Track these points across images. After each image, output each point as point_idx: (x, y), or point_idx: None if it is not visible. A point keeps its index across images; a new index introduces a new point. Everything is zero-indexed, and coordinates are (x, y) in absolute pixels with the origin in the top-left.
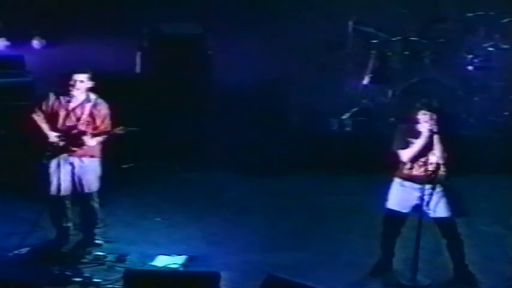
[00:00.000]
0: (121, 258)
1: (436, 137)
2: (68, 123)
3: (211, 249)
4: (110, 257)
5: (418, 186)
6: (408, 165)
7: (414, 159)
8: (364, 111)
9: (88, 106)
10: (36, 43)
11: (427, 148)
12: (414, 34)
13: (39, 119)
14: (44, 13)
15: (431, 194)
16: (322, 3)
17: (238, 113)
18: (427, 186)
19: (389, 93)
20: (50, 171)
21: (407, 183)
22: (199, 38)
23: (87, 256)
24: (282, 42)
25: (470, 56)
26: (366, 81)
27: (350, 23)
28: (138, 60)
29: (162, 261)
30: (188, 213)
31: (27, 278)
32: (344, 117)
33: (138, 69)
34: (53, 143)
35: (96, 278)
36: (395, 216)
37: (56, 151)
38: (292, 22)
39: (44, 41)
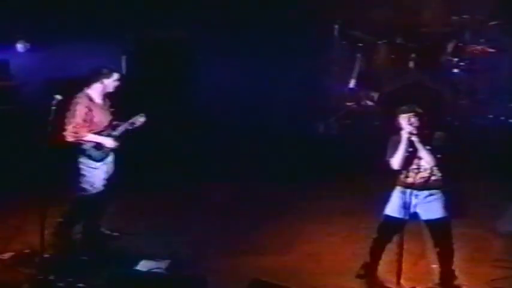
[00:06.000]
0: (105, 262)
1: (418, 141)
2: (106, 120)
3: (196, 253)
4: (94, 261)
5: (415, 192)
6: (404, 173)
7: (406, 166)
8: (350, 114)
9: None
10: (20, 47)
11: (416, 153)
12: (400, 37)
13: (82, 131)
14: (29, 16)
15: (428, 201)
16: (309, 7)
17: (225, 118)
18: (425, 192)
19: (375, 96)
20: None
21: (406, 190)
22: (185, 44)
23: (70, 260)
24: (268, 46)
25: (456, 59)
26: (351, 84)
27: (336, 27)
28: (123, 64)
29: (146, 265)
30: (173, 218)
31: (9, 283)
32: (330, 120)
33: (123, 73)
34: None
35: (80, 283)
36: (393, 223)
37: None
38: (278, 26)
39: (28, 45)
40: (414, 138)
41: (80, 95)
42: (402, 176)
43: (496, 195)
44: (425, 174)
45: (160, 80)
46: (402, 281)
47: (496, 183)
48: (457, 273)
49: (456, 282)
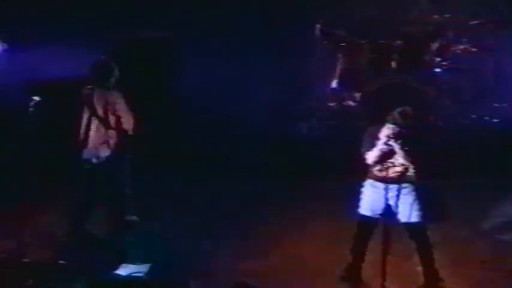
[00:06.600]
0: (85, 267)
1: (397, 143)
2: None
3: (179, 256)
4: (74, 265)
5: (389, 186)
6: (378, 167)
7: (382, 161)
8: (333, 115)
9: None
10: None
11: (392, 150)
12: (382, 37)
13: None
14: (6, 16)
15: (402, 195)
16: (290, 6)
17: (208, 118)
18: (397, 186)
19: (358, 96)
20: None
21: (379, 184)
22: (167, 43)
23: (50, 264)
24: (250, 46)
25: (439, 59)
26: (334, 84)
27: (317, 26)
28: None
29: (127, 269)
30: (155, 220)
31: None
32: (312, 121)
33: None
34: None
35: (60, 287)
36: (369, 221)
37: None
38: (260, 25)
39: (5, 45)
40: (392, 142)
41: (116, 92)
42: (376, 170)
43: (481, 196)
44: (400, 168)
45: (142, 81)
46: (387, 284)
47: (481, 184)
48: (442, 275)
49: (442, 284)
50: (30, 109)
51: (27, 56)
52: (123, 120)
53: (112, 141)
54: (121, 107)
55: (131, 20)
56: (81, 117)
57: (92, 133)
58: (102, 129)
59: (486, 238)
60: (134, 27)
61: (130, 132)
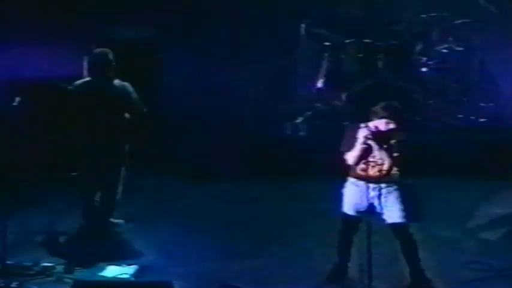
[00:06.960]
0: (69, 269)
1: (377, 141)
2: None
3: (163, 258)
4: (59, 268)
5: (371, 185)
6: (360, 165)
7: (363, 159)
8: (318, 115)
9: None
10: None
11: (373, 148)
12: (368, 36)
13: None
14: None
15: (385, 194)
16: (275, 5)
17: (191, 118)
18: (380, 185)
19: (343, 96)
20: None
21: (360, 183)
22: (149, 42)
23: (34, 267)
24: (234, 45)
25: (425, 58)
26: (319, 84)
27: (302, 25)
28: (85, 64)
29: (112, 271)
30: (140, 221)
31: None
32: (298, 121)
33: (85, 73)
34: None
35: None
36: (352, 220)
37: None
38: (244, 25)
39: None
40: (371, 141)
41: (118, 81)
42: (357, 168)
43: (467, 195)
44: (381, 167)
45: (126, 80)
46: (374, 284)
47: (467, 183)
48: (429, 275)
49: (428, 284)
50: (14, 110)
51: (8, 56)
52: (129, 109)
53: (119, 132)
54: (127, 95)
55: (114, 18)
56: (82, 110)
57: (97, 125)
58: (109, 121)
59: (472, 238)
60: (117, 25)
61: (137, 122)
